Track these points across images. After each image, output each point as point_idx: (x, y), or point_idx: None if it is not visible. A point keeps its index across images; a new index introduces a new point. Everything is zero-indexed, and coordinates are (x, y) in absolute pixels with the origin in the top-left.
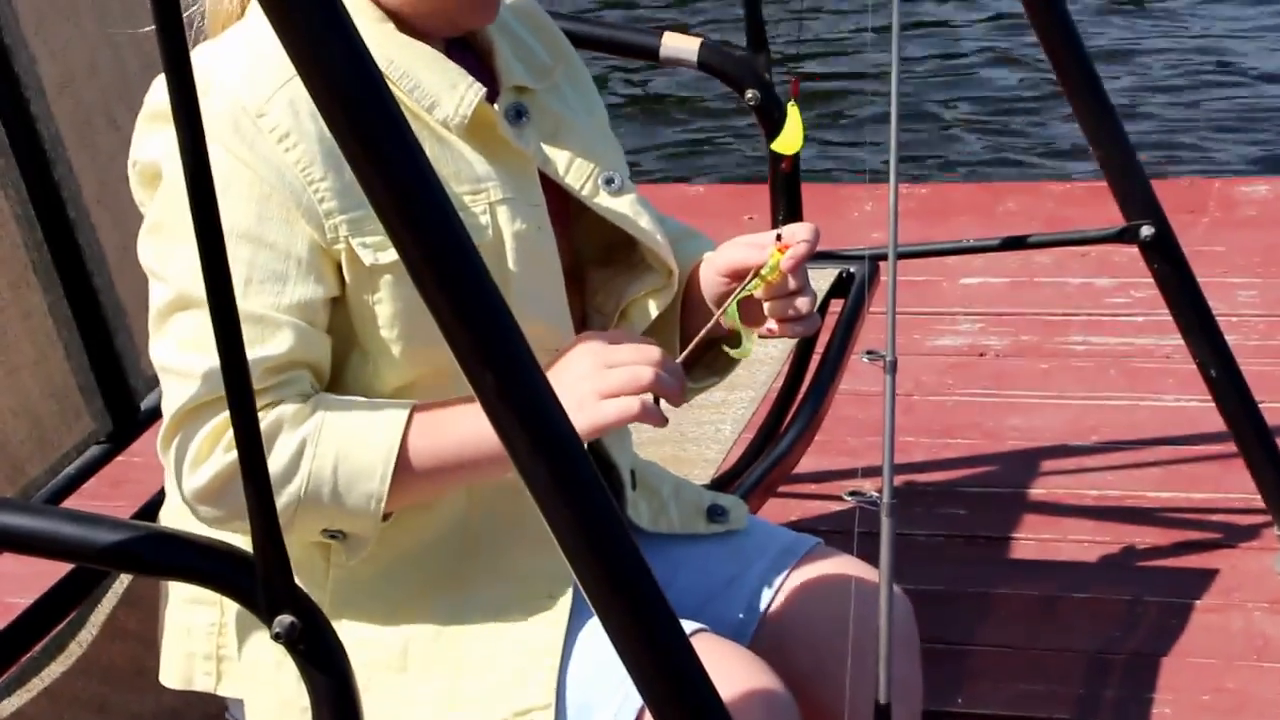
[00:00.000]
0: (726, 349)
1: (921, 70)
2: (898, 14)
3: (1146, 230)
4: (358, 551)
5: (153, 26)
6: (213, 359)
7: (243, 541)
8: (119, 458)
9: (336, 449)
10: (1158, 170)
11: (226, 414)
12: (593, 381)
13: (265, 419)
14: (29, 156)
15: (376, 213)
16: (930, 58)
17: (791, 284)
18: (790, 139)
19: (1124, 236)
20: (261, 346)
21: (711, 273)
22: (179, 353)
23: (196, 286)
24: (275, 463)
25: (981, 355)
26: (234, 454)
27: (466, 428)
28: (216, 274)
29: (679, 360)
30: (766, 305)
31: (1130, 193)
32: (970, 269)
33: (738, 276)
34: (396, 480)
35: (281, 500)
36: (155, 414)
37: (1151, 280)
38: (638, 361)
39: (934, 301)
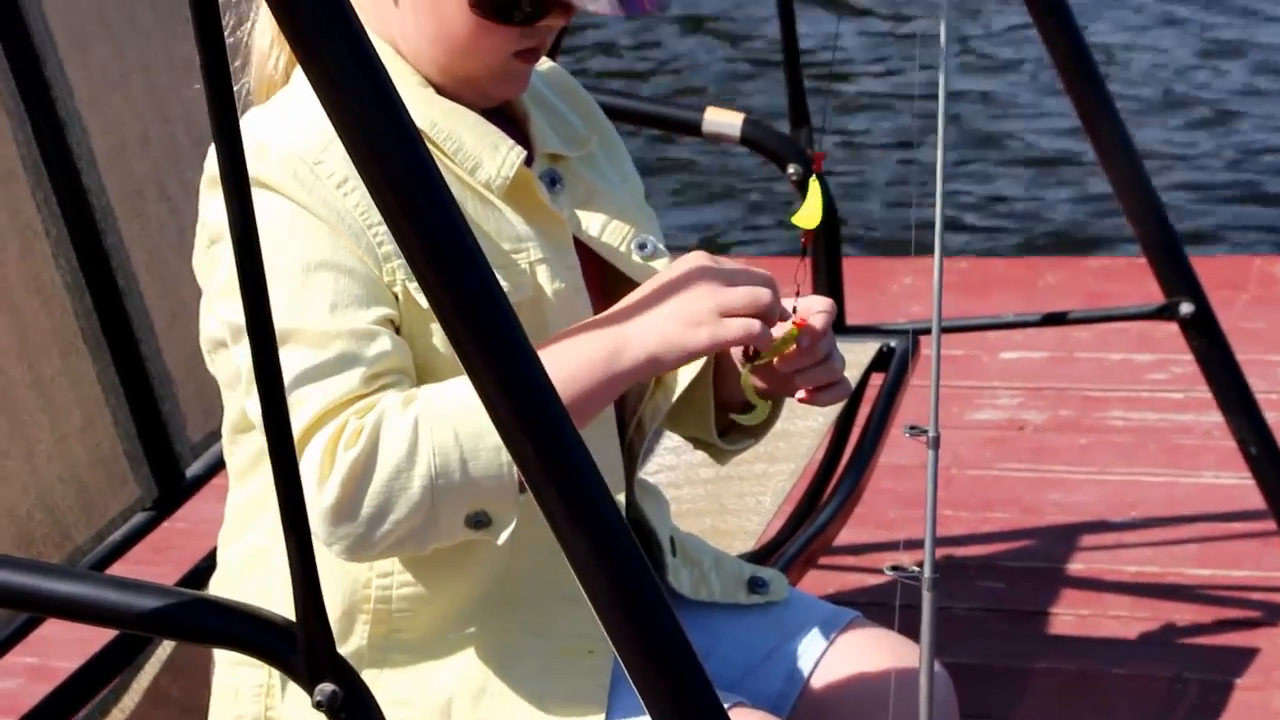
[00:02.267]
0: (734, 416)
1: (964, 139)
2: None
3: (1186, 307)
4: (502, 533)
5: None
6: (312, 382)
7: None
8: (164, 524)
9: (451, 417)
10: (1197, 246)
11: (338, 420)
12: (715, 298)
13: (369, 414)
14: (80, 227)
15: (417, 278)
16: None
17: (814, 355)
18: (810, 214)
19: (1164, 313)
20: (358, 357)
21: None
22: (293, 386)
23: (287, 320)
24: (395, 444)
25: (1021, 429)
26: (356, 450)
27: (569, 364)
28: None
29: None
30: (796, 376)
31: (1169, 269)
32: (1010, 343)
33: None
34: None
35: (415, 484)
36: (200, 480)
37: (1191, 356)
38: (755, 282)
39: (973, 375)
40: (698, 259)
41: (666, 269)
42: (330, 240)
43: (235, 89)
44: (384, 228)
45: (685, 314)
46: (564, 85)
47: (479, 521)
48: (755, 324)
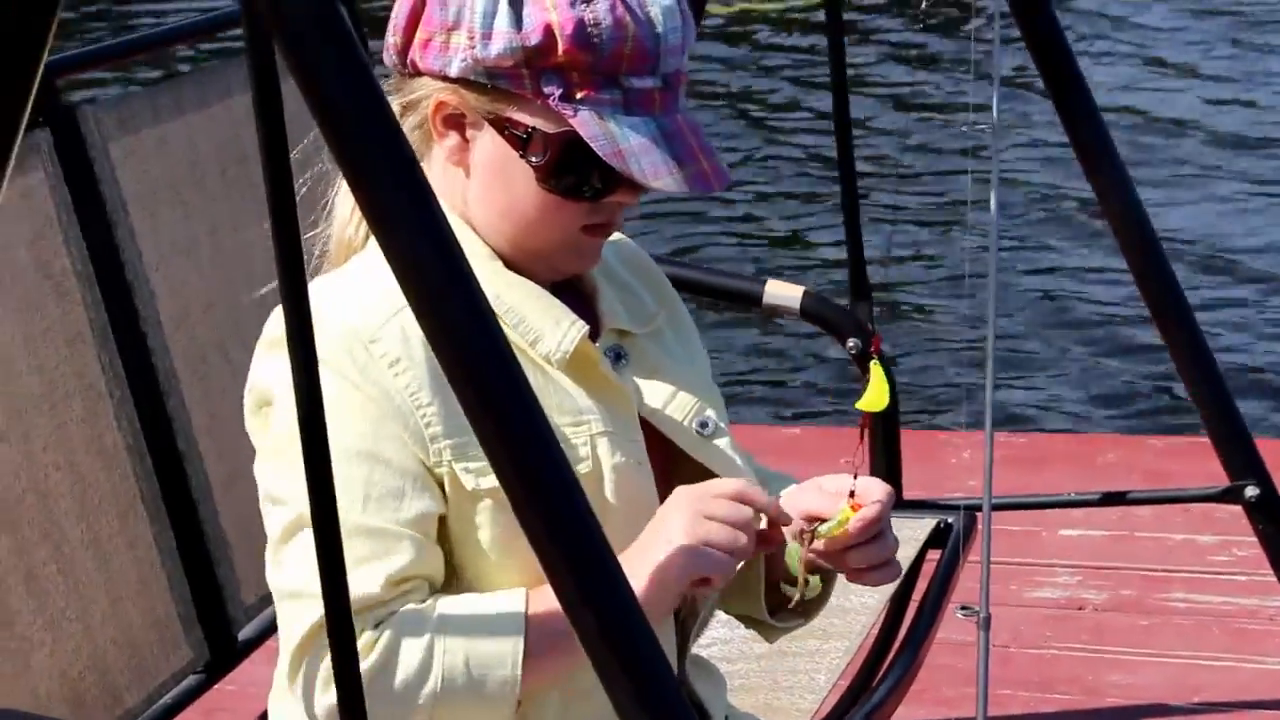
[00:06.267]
0: (784, 587)
1: (1020, 315)
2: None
3: (1251, 491)
4: None
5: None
6: None
7: None
8: (215, 686)
9: (465, 641)
10: (1262, 426)
11: (356, 629)
12: (693, 529)
13: (388, 625)
14: (143, 389)
15: (484, 449)
16: (1031, 298)
17: (865, 538)
18: (875, 397)
19: (1227, 496)
20: (384, 560)
21: (792, 513)
22: (303, 573)
23: None
24: (408, 664)
25: (1080, 609)
26: (367, 664)
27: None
28: (323, 498)
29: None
30: (847, 554)
31: (1234, 451)
32: (1069, 521)
33: (812, 522)
34: (528, 664)
35: (420, 701)
36: (252, 644)
37: (1255, 539)
38: (736, 520)
39: (1032, 553)
40: (679, 497)
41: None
42: (374, 426)
43: (306, 239)
44: (432, 409)
45: (665, 538)
46: (635, 260)
47: None
48: (729, 560)
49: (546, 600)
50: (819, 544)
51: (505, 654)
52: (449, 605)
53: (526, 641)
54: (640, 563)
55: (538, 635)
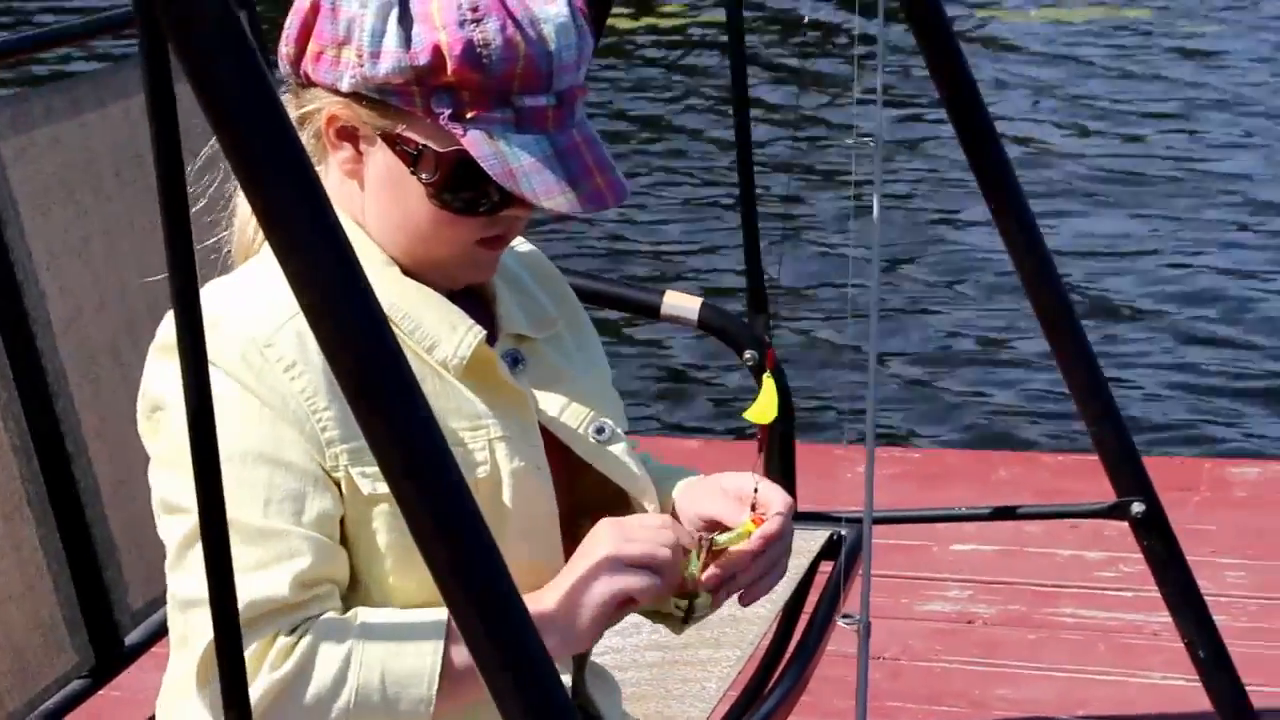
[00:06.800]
0: (674, 600)
1: (917, 333)
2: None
3: (1138, 507)
4: None
5: (159, 276)
6: (241, 583)
7: None
8: (99, 692)
9: (382, 658)
10: (1150, 446)
11: (265, 630)
12: (619, 549)
13: (308, 633)
14: (32, 390)
15: (374, 452)
16: (926, 315)
17: (765, 555)
18: (764, 409)
19: (1115, 512)
20: (290, 561)
21: (691, 512)
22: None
23: None
24: (323, 675)
25: (970, 623)
26: (281, 671)
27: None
28: (211, 502)
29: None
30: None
31: (1122, 469)
32: (962, 535)
33: (712, 527)
34: (444, 685)
35: (332, 714)
36: (139, 649)
37: (1141, 556)
38: (657, 542)
39: (924, 567)
40: (603, 526)
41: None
42: (271, 430)
43: (216, 241)
44: (329, 413)
45: (586, 570)
46: (536, 265)
47: None
48: (652, 581)
49: None
50: (720, 551)
51: (422, 674)
52: (369, 617)
53: (444, 661)
54: (563, 579)
55: (457, 655)
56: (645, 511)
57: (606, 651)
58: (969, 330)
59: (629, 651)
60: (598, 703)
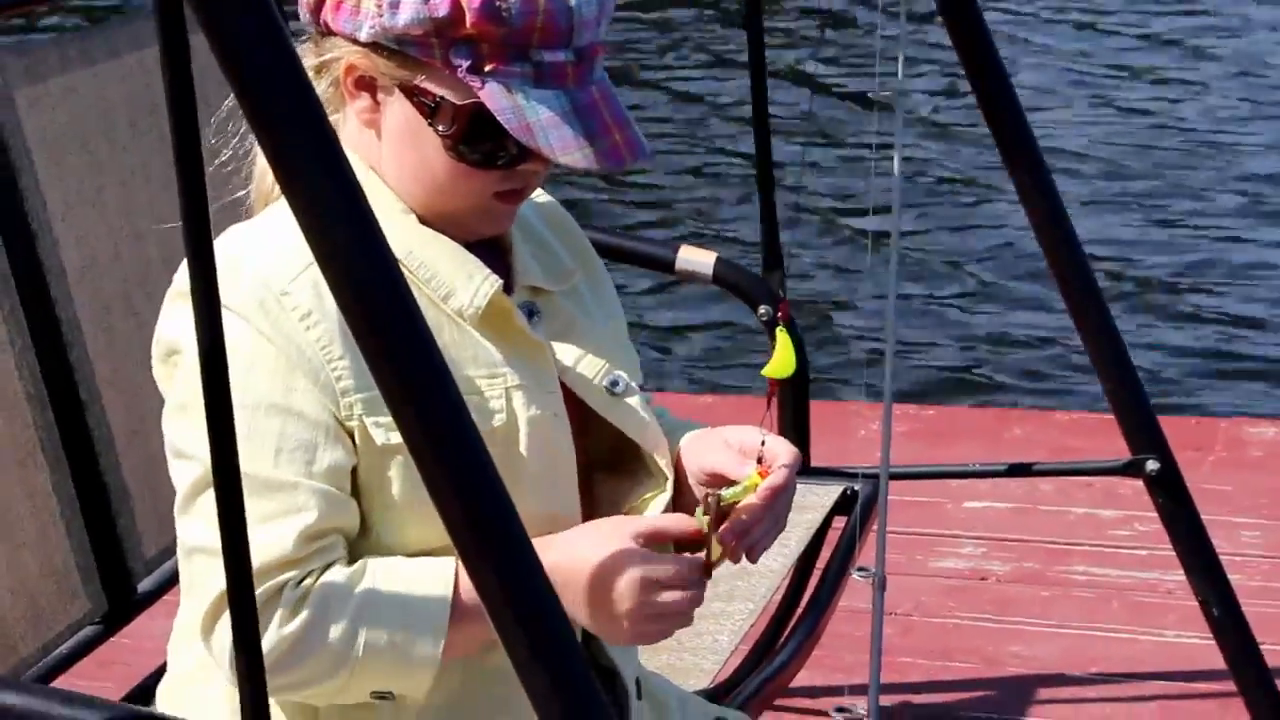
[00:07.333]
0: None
1: (933, 288)
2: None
3: (1152, 465)
4: (401, 715)
5: (175, 224)
6: (250, 528)
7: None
8: (111, 639)
9: (391, 608)
10: (1166, 405)
11: (272, 583)
12: (643, 601)
13: (316, 584)
14: (45, 338)
15: (385, 399)
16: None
17: (757, 517)
18: (781, 364)
19: (1129, 470)
20: (297, 515)
21: (694, 465)
22: (214, 529)
23: None
24: (333, 628)
25: (983, 579)
26: (290, 628)
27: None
28: (224, 451)
29: None
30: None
31: (1137, 427)
32: (975, 493)
33: (716, 481)
34: (451, 636)
35: (341, 665)
36: (151, 596)
37: (1155, 514)
38: (682, 584)
39: (937, 524)
40: (623, 544)
41: (592, 546)
42: (285, 378)
43: (237, 199)
44: (344, 363)
45: (611, 613)
46: (556, 218)
47: (383, 696)
48: (673, 629)
49: None
50: (728, 506)
51: (430, 621)
52: (377, 567)
53: (453, 615)
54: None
55: (466, 607)
56: (655, 459)
57: None
58: (984, 289)
59: None
60: (613, 655)
